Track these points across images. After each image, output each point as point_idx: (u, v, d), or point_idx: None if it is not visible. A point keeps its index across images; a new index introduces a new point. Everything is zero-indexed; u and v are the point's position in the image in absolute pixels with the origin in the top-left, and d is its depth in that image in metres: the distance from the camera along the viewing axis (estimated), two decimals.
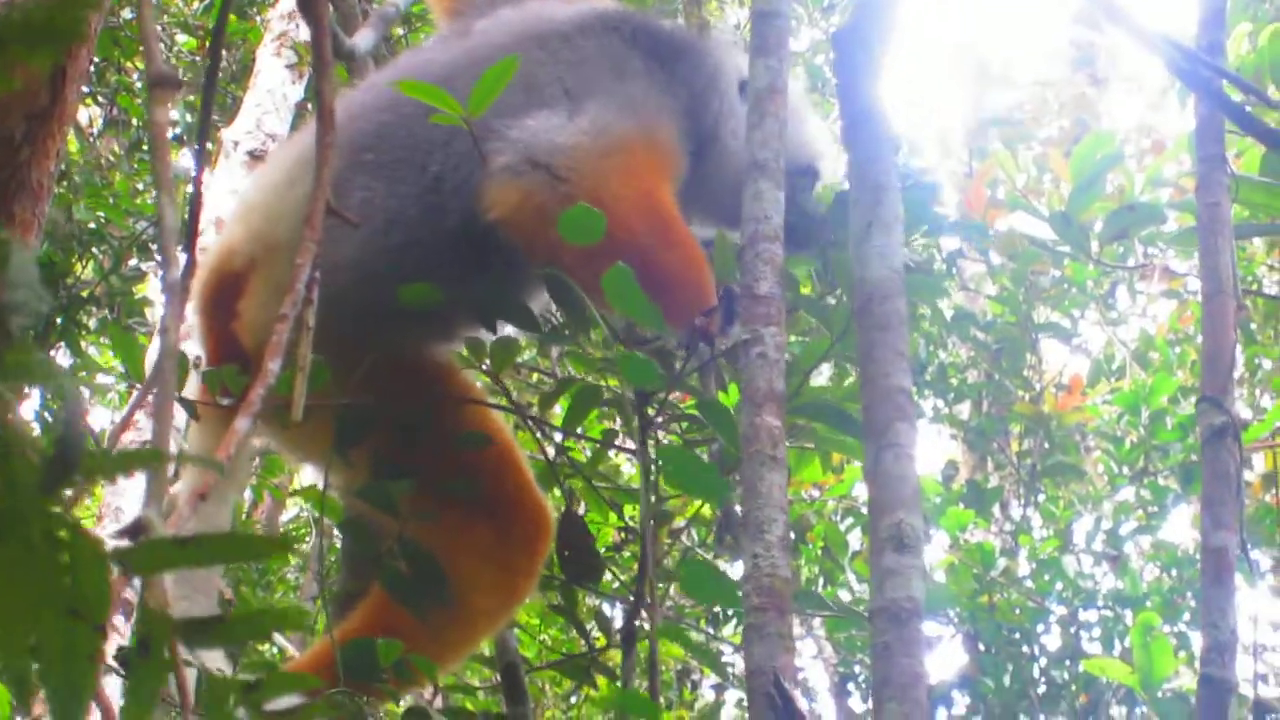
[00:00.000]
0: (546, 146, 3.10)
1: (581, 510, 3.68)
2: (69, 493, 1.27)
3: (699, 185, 3.50)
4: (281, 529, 9.35)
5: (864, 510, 6.15)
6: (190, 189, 8.27)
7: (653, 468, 3.23)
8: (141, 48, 8.22)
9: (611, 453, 3.89)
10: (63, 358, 8.37)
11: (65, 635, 1.25)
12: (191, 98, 8.90)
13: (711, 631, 6.17)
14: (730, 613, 6.24)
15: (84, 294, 8.07)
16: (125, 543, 1.53)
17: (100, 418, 9.59)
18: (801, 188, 3.47)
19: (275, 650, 5.32)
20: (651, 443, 3.26)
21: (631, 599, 3.27)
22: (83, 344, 8.38)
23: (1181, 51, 2.83)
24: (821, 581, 6.52)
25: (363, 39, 2.67)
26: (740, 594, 2.41)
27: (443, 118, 3.01)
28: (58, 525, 1.24)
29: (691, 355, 3.12)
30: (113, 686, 2.17)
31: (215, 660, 2.12)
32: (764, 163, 2.74)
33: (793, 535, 6.14)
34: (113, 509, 6.21)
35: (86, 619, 1.24)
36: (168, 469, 1.85)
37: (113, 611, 1.45)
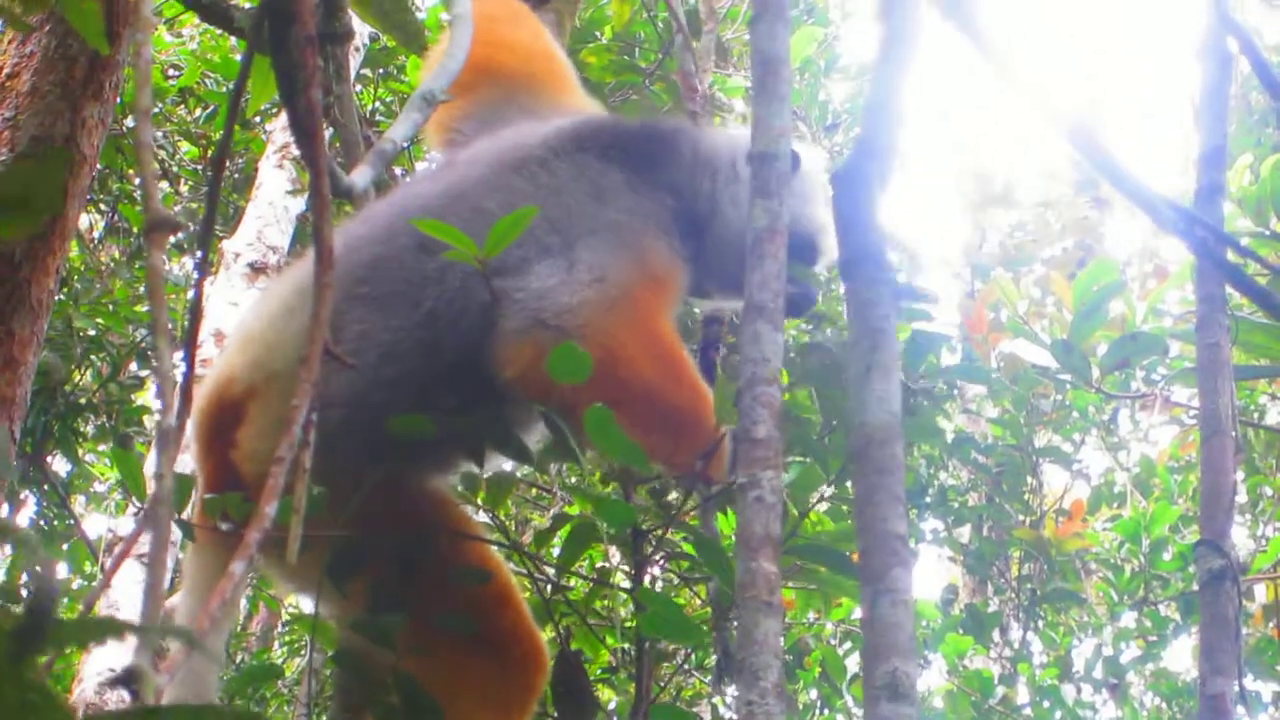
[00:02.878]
0: (554, 308, 3.15)
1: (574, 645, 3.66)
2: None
3: (706, 262, 3.56)
4: (277, 638, 9.30)
5: (862, 634, 6.11)
6: (191, 295, 8.30)
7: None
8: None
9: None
10: (60, 465, 8.36)
11: None
12: (194, 205, 8.92)
13: None
14: None
15: (82, 401, 8.06)
16: (116, 690, 1.50)
17: (97, 525, 9.57)
18: (803, 258, 3.51)
19: None
20: (648, 580, 3.25)
21: None
22: (80, 451, 8.37)
23: (1177, 210, 2.83)
24: (819, 705, 6.48)
25: (360, 176, 2.66)
26: None
27: (457, 254, 3.04)
28: (31, 691, 1.23)
29: (691, 496, 3.15)
30: None
31: None
32: (762, 305, 2.72)
33: (790, 659, 6.10)
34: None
35: None
36: (162, 608, 1.83)
37: None
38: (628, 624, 3.89)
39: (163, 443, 1.95)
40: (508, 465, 3.44)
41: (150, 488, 2.52)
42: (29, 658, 1.23)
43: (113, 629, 1.30)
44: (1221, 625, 3.19)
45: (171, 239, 8.89)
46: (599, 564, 4.00)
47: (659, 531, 3.24)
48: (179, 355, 2.99)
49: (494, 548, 3.35)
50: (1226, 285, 3.24)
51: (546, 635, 3.40)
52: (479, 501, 3.28)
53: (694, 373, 3.22)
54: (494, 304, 3.15)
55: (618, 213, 3.39)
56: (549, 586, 3.45)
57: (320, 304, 2.32)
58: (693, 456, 3.08)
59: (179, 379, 2.17)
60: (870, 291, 2.71)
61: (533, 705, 3.30)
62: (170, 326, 1.88)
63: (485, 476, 3.29)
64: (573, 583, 3.70)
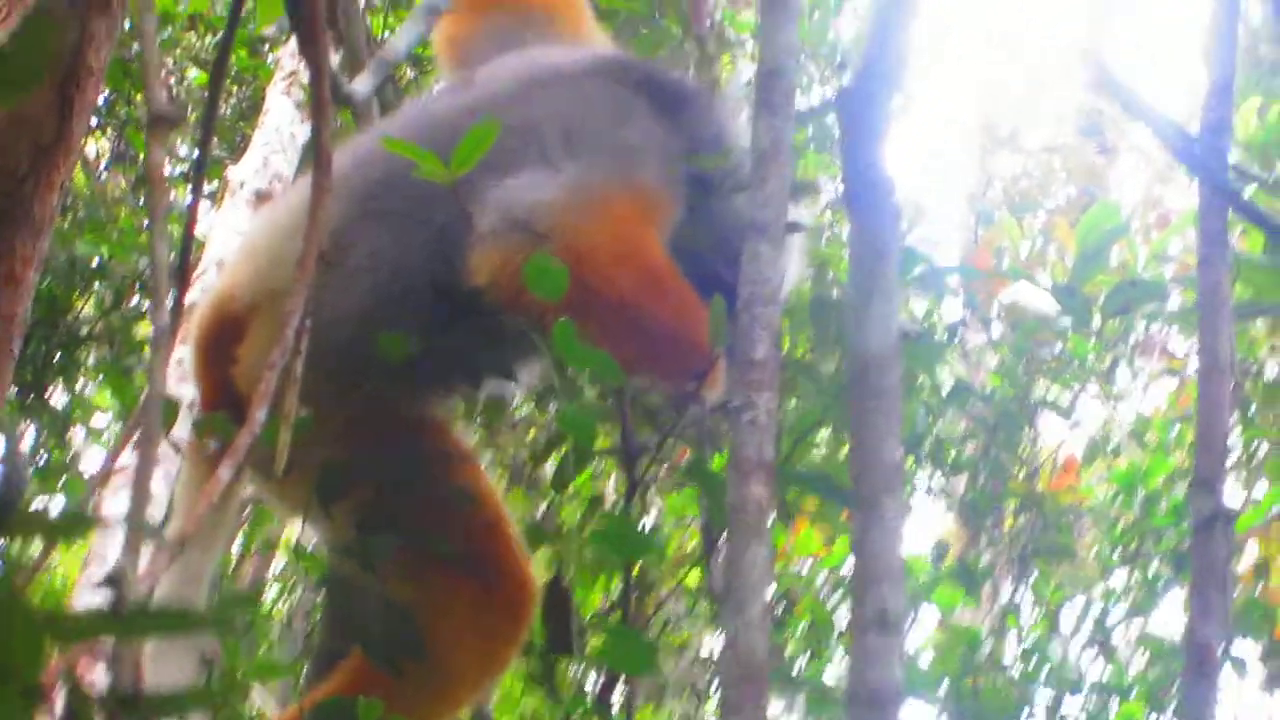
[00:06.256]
0: (526, 204, 3.04)
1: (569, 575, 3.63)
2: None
3: (708, 228, 3.41)
4: (269, 582, 9.28)
5: (854, 560, 6.11)
6: (189, 197, 8.26)
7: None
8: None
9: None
10: (58, 398, 8.34)
11: None
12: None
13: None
14: (714, 686, 6.22)
15: (83, 331, 8.04)
16: (104, 591, 1.49)
17: (95, 458, 9.55)
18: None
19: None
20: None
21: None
22: (80, 380, 8.34)
23: (1183, 134, 2.81)
24: (808, 654, 6.47)
25: (362, 84, 2.65)
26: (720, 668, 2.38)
27: (427, 172, 2.96)
28: None
29: (681, 417, 3.08)
30: None
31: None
32: (764, 224, 2.71)
33: (779, 610, 6.10)
34: (97, 555, 6.13)
35: (16, 681, 1.20)
36: (148, 519, 1.83)
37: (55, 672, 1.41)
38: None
39: (157, 338, 1.94)
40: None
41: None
42: None
43: (84, 523, 1.27)
44: (1212, 570, 3.19)
45: (179, 169, 8.87)
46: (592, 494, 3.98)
47: (653, 452, 3.18)
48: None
49: (489, 476, 3.32)
50: (1229, 220, 3.22)
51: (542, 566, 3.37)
52: (476, 420, 3.24)
53: (684, 286, 3.09)
54: (468, 203, 3.06)
55: (631, 135, 3.32)
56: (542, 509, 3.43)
57: (317, 207, 2.31)
58: (683, 375, 2.98)
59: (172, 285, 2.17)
60: (874, 215, 2.70)
61: (520, 636, 3.21)
62: (170, 256, 1.86)
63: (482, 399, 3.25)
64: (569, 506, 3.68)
